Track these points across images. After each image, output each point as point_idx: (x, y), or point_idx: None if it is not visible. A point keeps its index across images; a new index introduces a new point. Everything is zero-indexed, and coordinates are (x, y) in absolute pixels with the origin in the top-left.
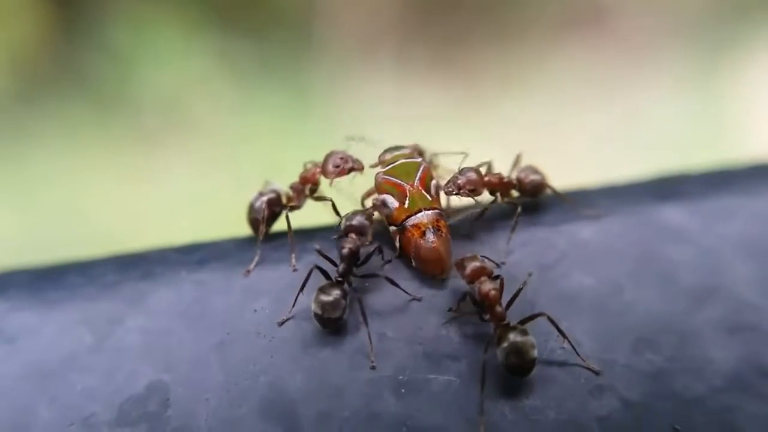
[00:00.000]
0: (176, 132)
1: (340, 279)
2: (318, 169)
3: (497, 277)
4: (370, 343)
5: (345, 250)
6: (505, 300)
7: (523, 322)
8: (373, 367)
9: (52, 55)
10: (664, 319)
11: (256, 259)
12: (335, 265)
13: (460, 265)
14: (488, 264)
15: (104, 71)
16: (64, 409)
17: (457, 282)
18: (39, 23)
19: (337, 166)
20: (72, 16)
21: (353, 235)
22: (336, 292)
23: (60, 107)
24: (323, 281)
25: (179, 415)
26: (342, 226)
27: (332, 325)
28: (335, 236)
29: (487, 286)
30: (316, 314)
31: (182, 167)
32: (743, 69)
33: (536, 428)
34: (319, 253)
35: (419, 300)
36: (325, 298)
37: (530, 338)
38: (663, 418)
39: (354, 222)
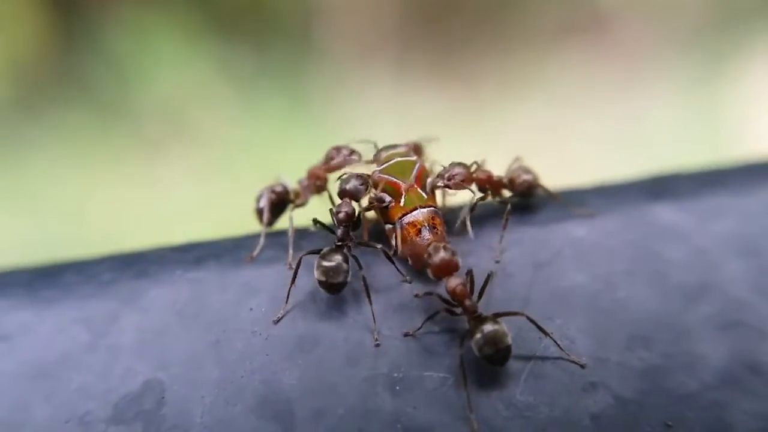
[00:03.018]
0: (177, 139)
1: (339, 243)
2: (323, 165)
3: (468, 272)
4: (374, 320)
5: (341, 214)
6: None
7: (498, 315)
8: (377, 345)
9: (53, 63)
10: (656, 317)
11: (260, 246)
12: (333, 233)
13: (429, 261)
14: (454, 258)
15: (105, 79)
16: (60, 406)
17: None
18: (40, 31)
19: (333, 158)
20: (73, 24)
21: (348, 199)
22: (337, 257)
23: (61, 115)
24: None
25: (175, 413)
26: (337, 190)
27: (337, 290)
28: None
29: (454, 282)
30: (320, 281)
31: (183, 174)
32: (741, 75)
33: (529, 425)
34: (316, 222)
35: (410, 282)
36: (326, 263)
37: (502, 327)
38: (656, 414)
39: (349, 186)
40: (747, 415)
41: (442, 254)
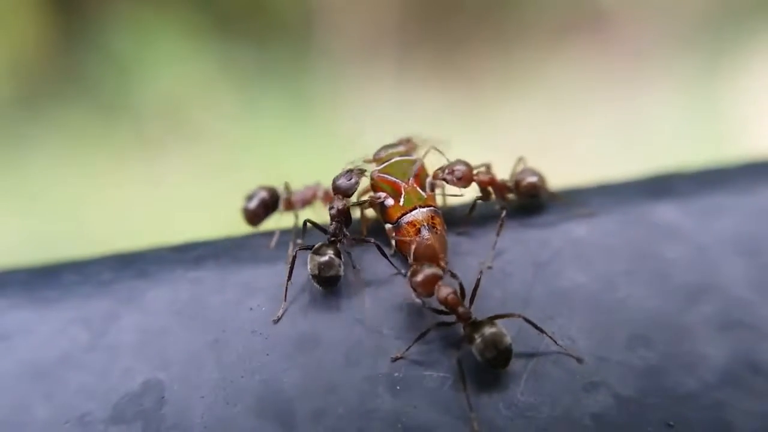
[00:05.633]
0: (177, 137)
1: (332, 239)
2: (317, 193)
3: (454, 276)
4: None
5: (333, 210)
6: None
7: (494, 318)
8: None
9: (53, 61)
10: (657, 316)
11: (276, 238)
12: (326, 232)
13: (412, 282)
14: (436, 270)
15: (106, 77)
16: (59, 407)
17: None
18: (41, 30)
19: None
20: (74, 22)
21: (340, 195)
22: (329, 251)
23: (61, 113)
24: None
25: (175, 413)
26: (330, 187)
27: (330, 284)
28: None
29: (444, 292)
30: (313, 275)
31: (184, 173)
32: (742, 74)
33: (530, 424)
34: (309, 222)
35: (404, 275)
36: (319, 258)
37: (500, 328)
38: (656, 414)
39: (340, 182)
40: (748, 415)
41: (423, 272)
